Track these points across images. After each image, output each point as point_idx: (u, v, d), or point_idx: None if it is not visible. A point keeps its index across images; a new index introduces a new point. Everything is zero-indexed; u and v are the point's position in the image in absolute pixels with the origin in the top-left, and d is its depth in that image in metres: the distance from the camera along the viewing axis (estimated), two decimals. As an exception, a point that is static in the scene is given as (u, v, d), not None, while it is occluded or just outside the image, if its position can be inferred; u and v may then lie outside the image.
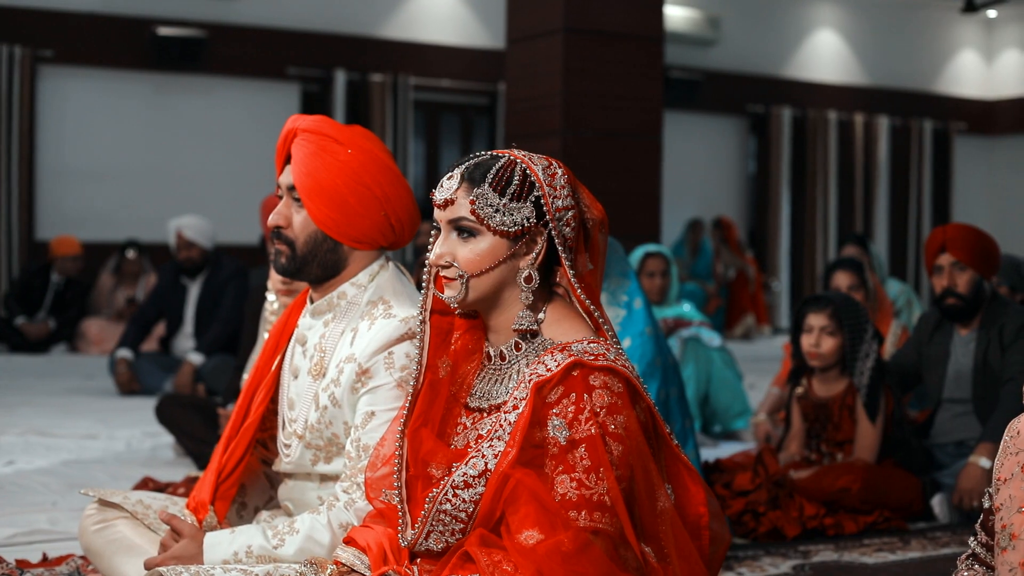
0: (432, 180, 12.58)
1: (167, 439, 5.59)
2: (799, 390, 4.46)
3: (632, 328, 3.98)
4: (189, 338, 7.63)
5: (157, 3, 11.14)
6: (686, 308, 6.34)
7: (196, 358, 7.04)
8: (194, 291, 7.67)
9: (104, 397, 7.32)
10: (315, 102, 11.88)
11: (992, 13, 14.95)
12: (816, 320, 4.34)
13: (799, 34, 14.46)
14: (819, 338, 4.33)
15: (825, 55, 14.58)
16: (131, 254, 10.36)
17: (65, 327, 9.99)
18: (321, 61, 11.83)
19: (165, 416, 5.15)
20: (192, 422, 5.03)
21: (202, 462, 4.87)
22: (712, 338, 6.18)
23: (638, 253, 5.92)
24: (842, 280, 5.52)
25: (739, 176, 14.33)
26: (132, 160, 11.18)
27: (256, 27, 11.55)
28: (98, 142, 11.03)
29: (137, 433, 5.91)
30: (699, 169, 13.73)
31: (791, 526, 3.92)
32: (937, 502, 4.26)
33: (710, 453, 5.47)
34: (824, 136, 14.31)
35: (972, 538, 2.10)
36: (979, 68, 15.61)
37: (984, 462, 4.13)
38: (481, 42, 12.60)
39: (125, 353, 7.47)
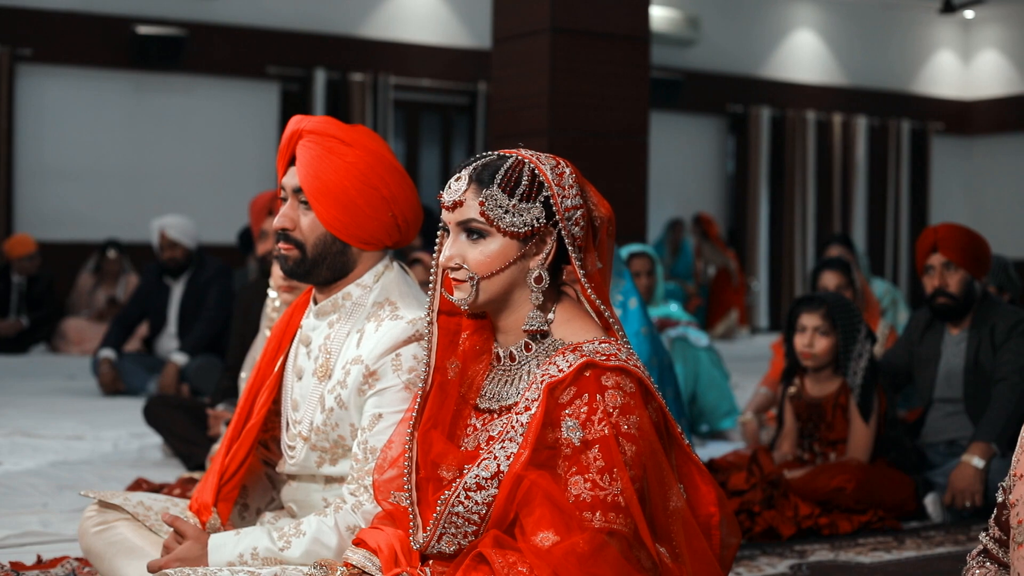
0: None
1: (154, 440, 5.55)
2: (792, 390, 4.47)
3: (628, 328, 3.98)
4: (172, 338, 7.58)
5: (137, 2, 11.06)
6: (673, 308, 6.35)
7: (180, 358, 7.00)
8: (177, 291, 7.63)
9: (88, 397, 7.27)
10: (295, 101, 11.82)
11: (969, 14, 15.02)
12: (810, 320, 4.34)
13: (778, 34, 14.50)
14: (812, 338, 4.33)
15: (804, 55, 14.62)
16: (111, 254, 10.30)
17: (41, 325, 9.91)
18: (301, 60, 11.78)
19: (153, 417, 5.13)
20: (181, 423, 5.01)
21: (191, 463, 4.85)
22: (699, 338, 6.19)
23: (622, 253, 5.92)
24: (830, 280, 5.53)
25: (718, 176, 14.35)
26: (112, 159, 11.10)
27: (236, 26, 11.50)
28: (77, 141, 10.95)
29: (124, 434, 5.87)
30: (678, 169, 13.74)
31: (786, 526, 3.93)
32: (930, 501, 4.27)
33: (699, 453, 5.48)
34: (803, 136, 14.35)
35: (983, 533, 2.09)
36: (956, 69, 15.68)
37: (977, 461, 4.15)
38: (462, 42, 12.58)
39: (108, 353, 7.43)
